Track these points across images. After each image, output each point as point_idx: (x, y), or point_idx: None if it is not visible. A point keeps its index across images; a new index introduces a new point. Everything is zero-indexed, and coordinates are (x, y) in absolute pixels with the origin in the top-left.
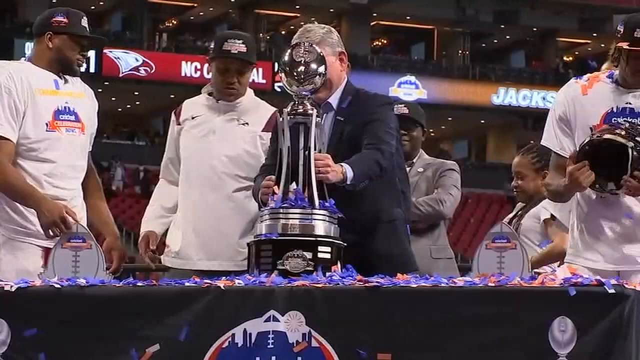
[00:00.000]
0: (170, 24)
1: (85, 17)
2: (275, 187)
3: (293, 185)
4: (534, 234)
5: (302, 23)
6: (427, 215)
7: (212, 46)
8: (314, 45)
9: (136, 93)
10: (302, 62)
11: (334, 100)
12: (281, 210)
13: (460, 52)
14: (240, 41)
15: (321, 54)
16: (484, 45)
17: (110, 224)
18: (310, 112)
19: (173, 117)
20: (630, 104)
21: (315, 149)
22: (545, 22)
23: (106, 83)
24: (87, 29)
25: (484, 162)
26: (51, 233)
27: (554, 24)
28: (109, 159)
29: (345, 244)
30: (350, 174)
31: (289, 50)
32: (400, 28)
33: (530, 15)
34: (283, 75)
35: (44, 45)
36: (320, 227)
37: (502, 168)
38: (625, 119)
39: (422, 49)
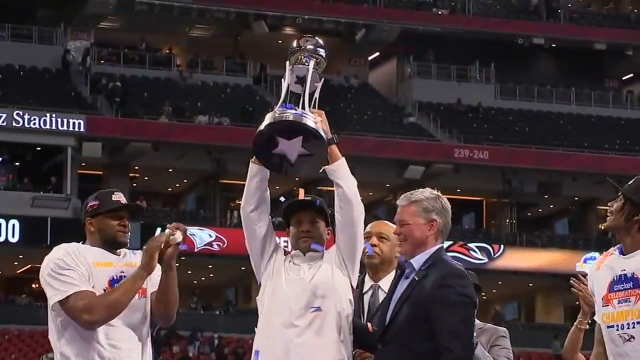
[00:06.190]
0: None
1: (117, 193)
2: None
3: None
4: None
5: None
6: None
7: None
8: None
9: (210, 266)
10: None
11: (416, 262)
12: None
13: (507, 221)
14: None
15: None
16: (529, 214)
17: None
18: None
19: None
20: (624, 270)
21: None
22: (586, 192)
23: (183, 258)
24: (121, 201)
25: (533, 323)
26: (172, 248)
27: (594, 194)
28: (189, 329)
29: None
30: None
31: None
32: (452, 200)
33: (571, 186)
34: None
35: (89, 231)
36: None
37: (551, 328)
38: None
39: (472, 218)
